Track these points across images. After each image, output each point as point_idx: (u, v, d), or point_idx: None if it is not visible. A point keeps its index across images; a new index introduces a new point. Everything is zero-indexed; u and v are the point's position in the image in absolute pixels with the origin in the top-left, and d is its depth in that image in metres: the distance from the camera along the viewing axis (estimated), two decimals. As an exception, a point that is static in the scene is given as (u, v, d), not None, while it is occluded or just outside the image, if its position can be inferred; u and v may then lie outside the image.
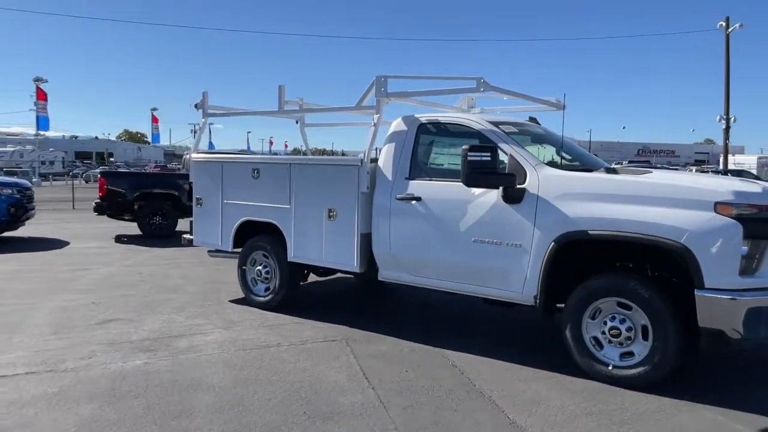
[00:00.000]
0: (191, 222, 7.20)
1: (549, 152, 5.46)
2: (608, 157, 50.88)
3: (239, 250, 6.72)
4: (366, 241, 5.60)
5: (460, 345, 5.19)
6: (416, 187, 5.26)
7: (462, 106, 6.65)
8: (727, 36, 27.48)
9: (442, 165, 5.46)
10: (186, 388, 4.25)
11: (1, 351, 5.02)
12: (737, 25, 27.18)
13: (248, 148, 67.58)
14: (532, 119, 6.05)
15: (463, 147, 4.65)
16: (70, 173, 51.25)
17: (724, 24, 27.60)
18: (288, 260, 6.18)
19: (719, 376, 4.61)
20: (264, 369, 4.65)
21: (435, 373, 4.57)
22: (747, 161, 39.79)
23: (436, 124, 5.50)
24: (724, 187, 4.13)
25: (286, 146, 66.77)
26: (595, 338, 4.44)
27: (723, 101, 27.43)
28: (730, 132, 27.41)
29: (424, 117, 5.54)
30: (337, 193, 5.72)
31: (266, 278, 6.48)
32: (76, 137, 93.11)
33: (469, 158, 4.58)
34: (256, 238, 6.56)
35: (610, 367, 4.33)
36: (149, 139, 73.46)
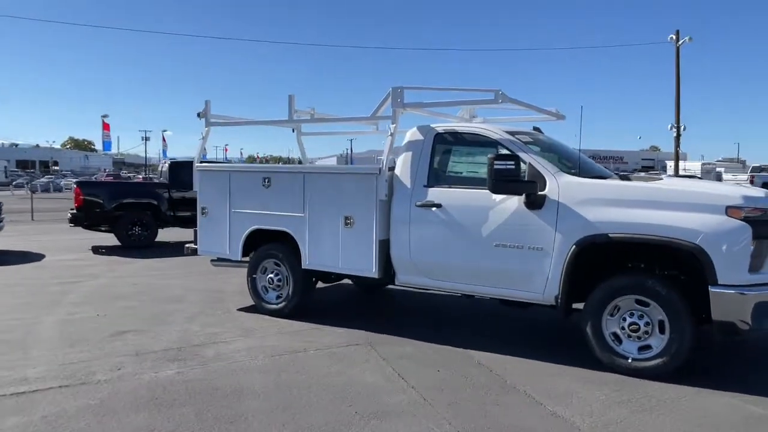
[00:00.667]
0: (195, 231, 7.22)
1: (555, 160, 5.78)
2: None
3: (247, 258, 6.80)
4: (383, 247, 5.79)
5: (480, 345, 5.43)
6: (436, 194, 5.49)
7: (464, 115, 6.93)
8: (677, 48, 28.91)
9: (461, 173, 5.70)
10: (230, 394, 4.34)
11: (23, 366, 4.97)
12: (687, 38, 28.63)
13: (204, 155, 66.15)
14: (536, 129, 6.38)
15: (489, 156, 4.92)
16: (14, 183, 49.24)
17: (674, 37, 29.01)
18: (302, 268, 6.30)
19: (729, 366, 5.00)
20: (300, 373, 4.78)
21: (466, 372, 4.80)
22: (692, 167, 41.78)
23: (453, 134, 5.75)
24: (733, 192, 4.53)
25: (241, 153, 65.88)
26: (614, 334, 4.76)
27: (670, 109, 28.88)
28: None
29: (440, 127, 5.78)
30: (354, 201, 5.89)
31: (278, 286, 6.58)
32: (16, 145, 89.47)
33: (495, 167, 4.84)
34: (267, 246, 6.65)
35: (629, 360, 4.66)
36: (98, 147, 71.28)
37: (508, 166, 4.84)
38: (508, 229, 5.10)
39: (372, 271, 5.84)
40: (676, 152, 29.87)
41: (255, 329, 6.07)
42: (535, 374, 4.73)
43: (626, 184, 4.97)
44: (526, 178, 5.06)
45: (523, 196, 4.97)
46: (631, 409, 4.07)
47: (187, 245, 7.48)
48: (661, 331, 4.57)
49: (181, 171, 12.61)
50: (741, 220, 4.31)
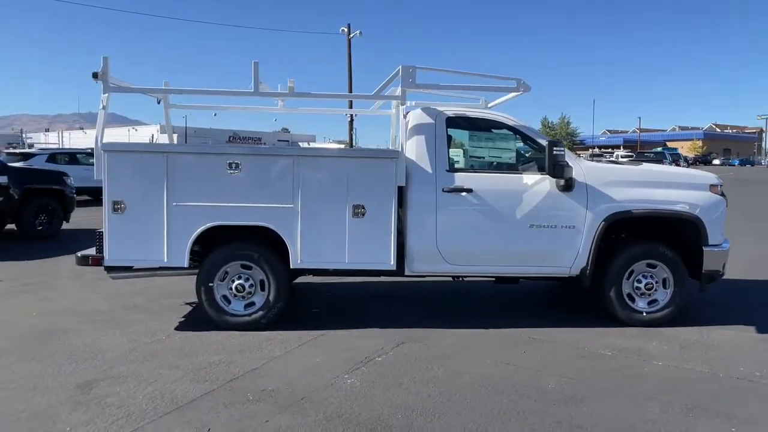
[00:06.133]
0: (100, 234, 5.33)
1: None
2: (202, 143, 51.88)
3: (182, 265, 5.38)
4: (399, 236, 5.43)
5: (512, 322, 5.66)
6: (465, 179, 5.42)
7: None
8: (349, 40, 31.89)
9: (483, 157, 5.69)
10: (406, 420, 3.65)
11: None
12: (357, 32, 31.82)
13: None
14: None
15: (548, 142, 5.19)
16: None
17: (346, 30, 31.87)
18: (291, 267, 5.38)
19: (718, 310, 6.21)
20: (422, 384, 4.23)
21: (550, 349, 4.99)
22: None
23: (465, 119, 5.70)
24: (709, 174, 5.85)
25: None
26: (629, 294, 5.62)
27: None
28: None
29: (449, 111, 5.66)
30: (366, 188, 5.33)
31: (249, 293, 5.44)
32: None
33: (554, 152, 5.13)
34: (231, 246, 5.41)
35: (644, 314, 5.59)
36: None
37: (561, 152, 5.20)
38: (542, 211, 5.43)
39: (390, 263, 5.41)
40: (350, 135, 33.15)
41: (253, 348, 4.95)
42: (591, 339, 5.22)
43: (637, 168, 5.86)
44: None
45: (562, 179, 5.37)
46: (696, 349, 4.99)
47: (82, 254, 5.46)
48: (665, 286, 5.62)
49: None
50: (719, 194, 5.64)
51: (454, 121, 5.66)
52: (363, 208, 5.34)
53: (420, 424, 3.60)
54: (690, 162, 62.72)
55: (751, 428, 3.61)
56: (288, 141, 68.04)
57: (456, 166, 5.76)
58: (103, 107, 5.36)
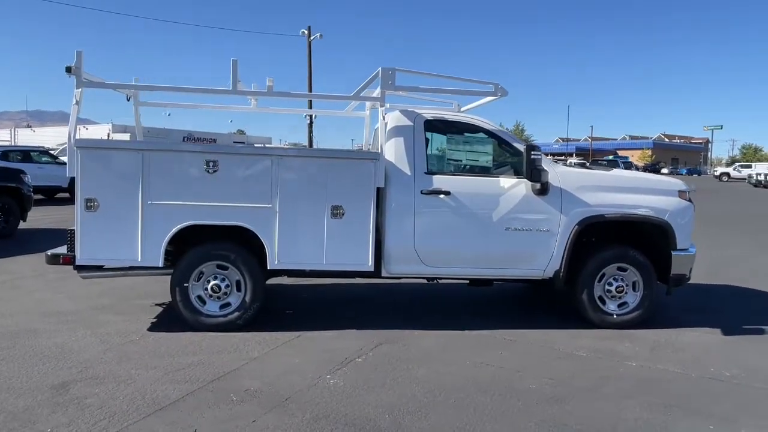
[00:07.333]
0: (71, 233, 5.16)
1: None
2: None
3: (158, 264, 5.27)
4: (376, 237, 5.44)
5: (483, 324, 5.72)
6: (443, 181, 5.46)
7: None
8: (309, 42, 31.74)
9: (460, 161, 5.73)
10: (401, 421, 3.66)
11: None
12: (318, 34, 31.70)
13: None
14: None
15: (525, 146, 5.28)
16: None
17: (306, 32, 31.71)
18: (268, 268, 5.33)
19: (684, 313, 6.40)
20: (407, 382, 4.26)
21: (526, 350, 5.07)
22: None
23: (444, 122, 5.74)
24: (677, 180, 6.05)
25: None
26: (600, 297, 5.76)
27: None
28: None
29: (427, 113, 5.70)
30: (345, 189, 5.32)
31: (225, 293, 5.35)
32: None
33: (532, 156, 5.23)
34: (207, 246, 5.32)
35: (614, 317, 5.73)
36: None
37: (539, 156, 5.30)
38: (518, 214, 5.52)
39: (368, 264, 5.41)
40: (309, 138, 32.99)
41: (230, 349, 4.88)
42: (565, 341, 5.32)
43: (609, 173, 6.01)
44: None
45: (539, 183, 5.46)
46: (666, 350, 5.15)
47: (52, 252, 5.27)
48: (634, 289, 5.78)
49: None
50: (687, 200, 5.84)
51: (432, 124, 5.71)
52: (341, 209, 5.33)
53: (408, 423, 3.61)
54: (640, 170, 64.70)
55: (729, 426, 3.74)
56: (244, 142, 67.29)
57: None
58: (77, 102, 5.21)
